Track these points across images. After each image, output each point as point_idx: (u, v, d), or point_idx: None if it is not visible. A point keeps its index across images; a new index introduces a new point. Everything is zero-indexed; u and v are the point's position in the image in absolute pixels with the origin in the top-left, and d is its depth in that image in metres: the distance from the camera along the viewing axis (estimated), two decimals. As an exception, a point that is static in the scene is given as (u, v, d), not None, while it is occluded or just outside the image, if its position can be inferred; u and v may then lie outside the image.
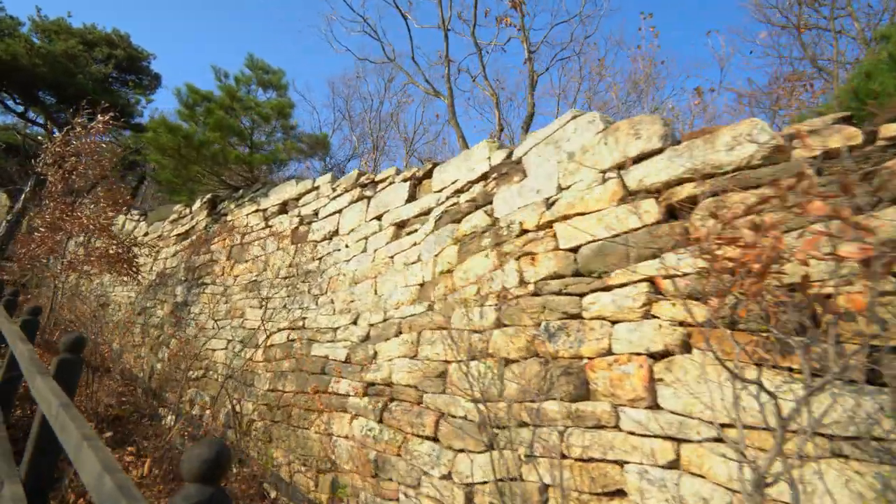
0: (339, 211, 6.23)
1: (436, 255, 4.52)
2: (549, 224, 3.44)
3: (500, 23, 7.94)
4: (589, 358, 2.91)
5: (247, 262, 7.37)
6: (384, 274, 5.02)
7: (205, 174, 8.08)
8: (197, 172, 7.90)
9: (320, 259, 6.12)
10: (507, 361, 3.34)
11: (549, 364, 3.07)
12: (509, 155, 4.20)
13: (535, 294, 3.33)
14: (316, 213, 6.66)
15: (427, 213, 4.94)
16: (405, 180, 5.48)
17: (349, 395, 4.44)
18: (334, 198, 6.45)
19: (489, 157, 4.37)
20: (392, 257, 5.10)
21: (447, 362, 3.75)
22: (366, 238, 5.61)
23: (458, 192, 4.61)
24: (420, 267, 4.62)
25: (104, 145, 7.86)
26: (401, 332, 4.36)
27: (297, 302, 6.00)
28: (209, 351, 6.85)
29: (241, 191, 8.23)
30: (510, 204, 3.82)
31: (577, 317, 3.06)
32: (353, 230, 5.87)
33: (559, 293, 3.19)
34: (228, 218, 8.22)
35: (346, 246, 5.85)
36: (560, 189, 3.47)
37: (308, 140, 8.41)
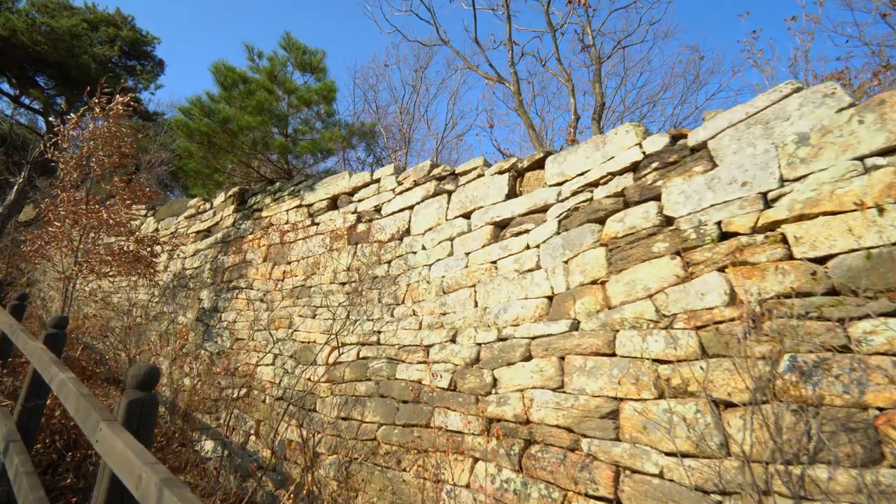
0: (411, 207, 5.40)
1: (566, 262, 3.73)
2: (773, 226, 2.66)
3: (571, 2, 7.17)
4: (880, 409, 2.14)
5: (290, 264, 6.49)
6: (487, 283, 4.21)
7: (237, 164, 7.18)
8: (230, 162, 6.99)
9: (389, 263, 5.28)
10: (724, 404, 2.55)
11: (804, 413, 2.29)
12: (674, 140, 3.42)
13: (760, 317, 2.55)
14: (378, 210, 5.81)
15: (541, 210, 4.15)
16: (501, 172, 4.68)
17: (464, 433, 3.61)
18: (401, 192, 5.62)
19: (639, 144, 3.58)
20: (495, 263, 4.29)
21: (617, 399, 2.95)
22: (450, 239, 4.79)
23: (591, 185, 3.83)
24: (543, 275, 3.81)
25: (124, 129, 6.91)
26: (530, 357, 3.55)
27: (363, 312, 5.15)
28: (250, 366, 5.96)
29: (277, 184, 7.33)
30: (695, 200, 3.04)
31: (845, 350, 2.28)
32: (430, 229, 5.05)
33: (806, 317, 2.41)
34: (263, 214, 7.32)
35: (423, 248, 5.02)
36: (784, 181, 2.70)
37: (351, 129, 7.56)
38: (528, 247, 4.10)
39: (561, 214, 3.93)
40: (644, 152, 3.52)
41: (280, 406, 5.29)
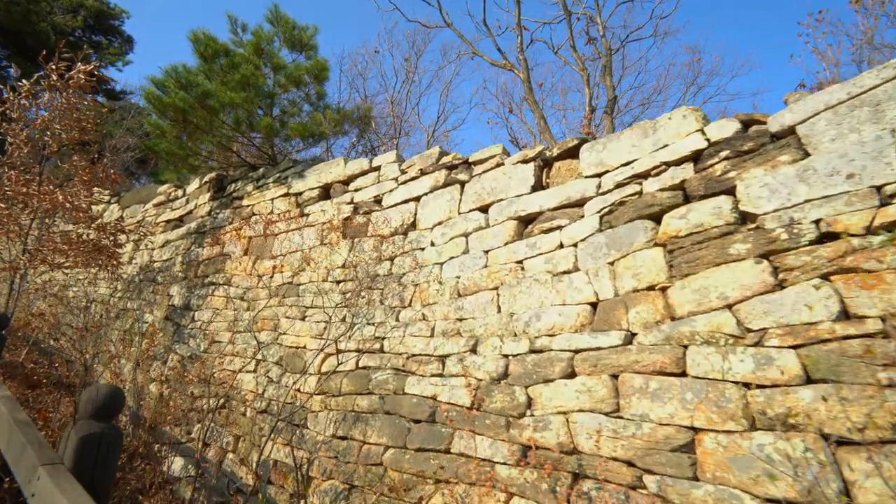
0: (417, 199, 4.84)
1: (611, 263, 3.23)
2: (894, 226, 2.22)
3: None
4: None
5: (274, 258, 5.82)
6: (512, 285, 3.69)
7: (216, 147, 6.44)
8: (209, 143, 6.25)
9: (392, 260, 4.70)
10: (841, 442, 2.09)
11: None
12: (745, 126, 2.96)
13: (885, 336, 2.10)
14: (378, 201, 5.22)
15: (576, 204, 3.65)
16: (525, 162, 4.17)
17: (494, 462, 3.07)
18: (405, 182, 5.05)
19: (701, 130, 3.12)
20: (520, 262, 3.77)
21: (693, 429, 2.46)
22: (465, 235, 4.25)
23: (639, 176, 3.34)
24: (583, 278, 3.31)
25: (86, 102, 6.09)
26: (574, 373, 3.04)
27: (363, 315, 4.55)
28: (229, 373, 5.26)
29: (260, 170, 6.62)
30: (783, 194, 2.58)
31: None
32: (440, 224, 4.50)
33: (947, 337, 1.97)
34: (244, 203, 6.61)
35: (433, 244, 4.47)
36: (906, 173, 2.26)
37: (344, 113, 6.90)
38: (561, 245, 3.59)
39: (603, 209, 3.44)
40: (708, 140, 3.05)
41: (264, 420, 4.63)
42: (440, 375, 3.67)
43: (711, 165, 2.97)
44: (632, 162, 3.42)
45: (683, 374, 2.61)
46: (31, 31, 9.93)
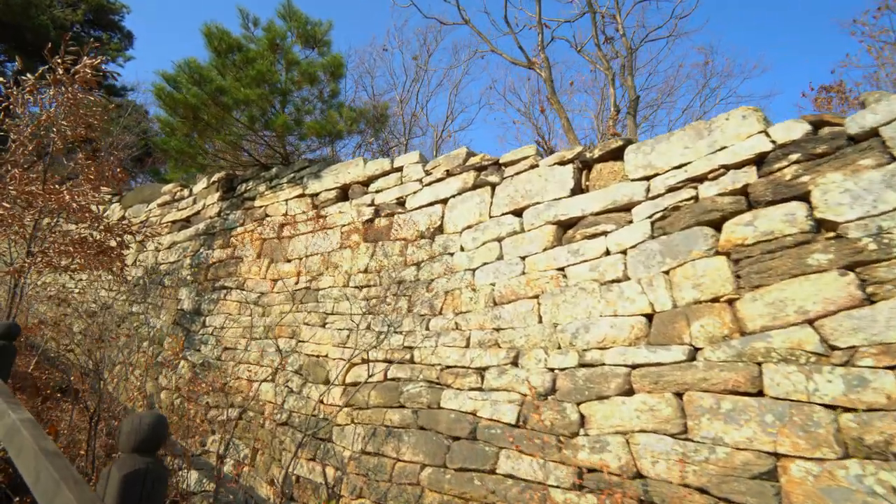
0: (444, 201, 4.64)
1: (666, 272, 3.05)
2: None
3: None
4: None
5: (289, 262, 5.60)
6: (554, 294, 3.49)
7: (226, 145, 6.21)
8: (220, 141, 6.01)
9: (418, 265, 4.50)
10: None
11: None
12: (815, 128, 2.79)
13: None
14: (401, 203, 5.02)
15: (623, 208, 3.47)
16: (562, 163, 3.99)
17: (546, 485, 2.87)
18: (430, 184, 4.85)
19: (764, 132, 2.94)
20: (562, 270, 3.58)
21: (775, 455, 2.28)
22: (498, 240, 4.06)
23: (693, 180, 3.16)
24: (635, 288, 3.12)
25: (91, 97, 5.84)
26: (632, 390, 2.85)
27: (389, 323, 4.34)
28: (245, 382, 5.04)
29: (273, 169, 6.40)
30: (868, 201, 2.40)
31: None
32: (470, 227, 4.31)
33: None
34: (257, 203, 6.38)
35: (462, 249, 4.27)
36: None
37: (360, 111, 6.68)
38: (607, 252, 3.41)
39: (654, 215, 3.25)
40: (774, 141, 2.87)
41: (284, 433, 4.41)
42: (479, 389, 3.47)
43: (779, 169, 2.79)
44: (685, 165, 3.23)
45: (760, 394, 2.43)
46: (30, 24, 9.64)
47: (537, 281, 3.65)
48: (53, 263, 5.29)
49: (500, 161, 4.47)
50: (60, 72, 5.55)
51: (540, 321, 3.51)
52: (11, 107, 5.44)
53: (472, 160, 4.67)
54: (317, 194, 5.78)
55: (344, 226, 5.31)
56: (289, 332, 5.07)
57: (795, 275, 2.51)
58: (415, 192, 4.94)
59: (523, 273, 3.78)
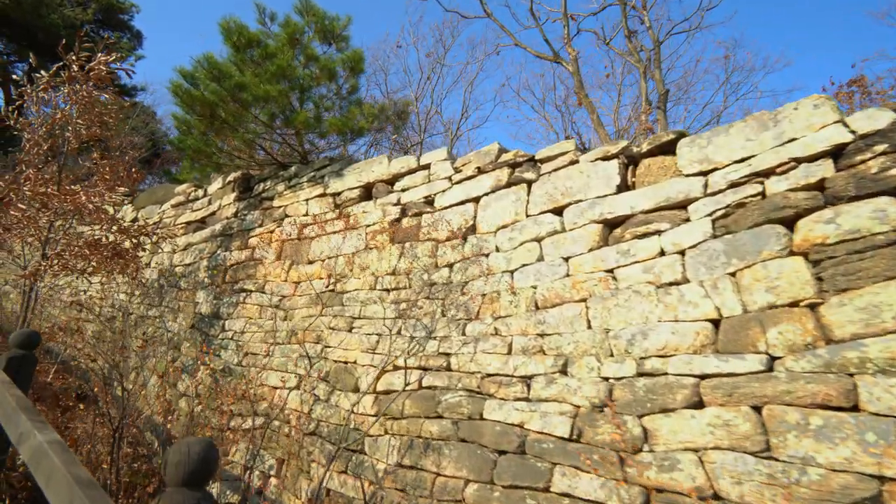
0: (476, 199, 4.43)
1: (732, 274, 2.83)
2: None
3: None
4: None
5: (311, 263, 5.41)
6: (604, 297, 3.28)
7: (243, 143, 6.02)
8: (239, 139, 5.83)
9: (451, 266, 4.29)
10: None
11: None
12: (904, 116, 2.55)
13: None
14: (429, 202, 4.81)
15: (678, 206, 3.24)
16: (605, 158, 3.77)
17: (609, 505, 2.65)
18: (460, 182, 4.64)
19: (841, 121, 2.71)
20: (611, 271, 3.36)
21: (880, 478, 2.06)
22: (537, 240, 3.85)
23: (759, 175, 2.93)
24: (698, 291, 2.90)
25: (107, 94, 5.67)
26: (702, 403, 2.63)
27: (422, 327, 4.14)
28: (267, 389, 4.85)
29: (292, 168, 6.21)
30: (976, 195, 2.17)
31: None
32: (505, 227, 4.10)
33: None
34: (275, 203, 6.19)
35: (498, 249, 4.06)
36: None
37: (381, 107, 6.48)
38: (662, 252, 3.18)
39: (715, 212, 3.03)
40: (854, 132, 2.64)
41: (313, 443, 4.22)
42: (526, 399, 3.26)
43: (862, 161, 2.56)
44: (748, 158, 3.01)
45: (855, 408, 2.20)
46: (41, 24, 9.51)
47: (584, 284, 3.43)
48: (69, 266, 5.13)
49: (536, 157, 4.25)
50: (76, 69, 5.39)
51: (589, 326, 3.29)
52: (25, 105, 5.28)
53: (505, 156, 4.46)
54: (339, 193, 5.58)
55: (369, 226, 5.11)
56: (313, 336, 4.88)
57: (891, 277, 2.28)
58: (444, 191, 4.73)
59: (567, 275, 3.57)
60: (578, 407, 3.02)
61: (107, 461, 3.36)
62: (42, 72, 5.39)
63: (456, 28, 14.69)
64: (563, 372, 3.22)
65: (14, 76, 10.15)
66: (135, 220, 8.67)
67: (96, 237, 5.73)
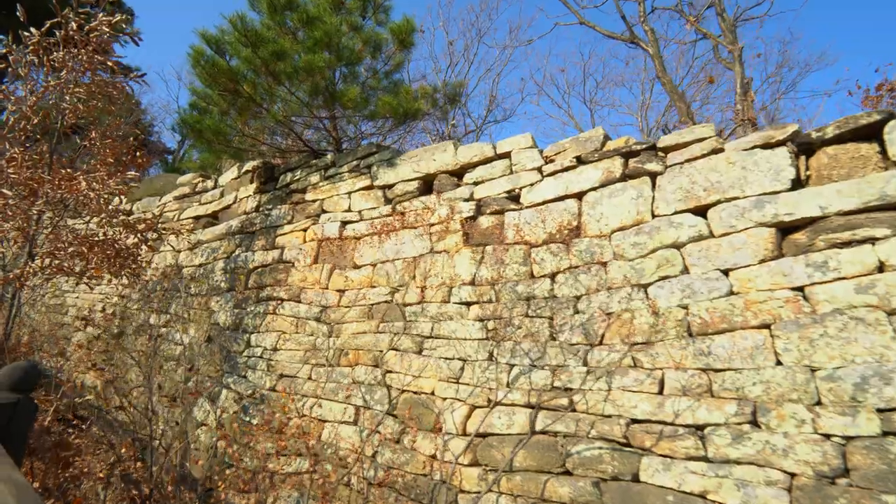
0: (578, 195, 3.64)
1: None
2: None
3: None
4: None
5: (359, 269, 4.54)
6: (800, 324, 2.50)
7: (276, 124, 5.12)
8: (271, 119, 4.92)
9: (553, 277, 3.48)
10: None
11: None
12: None
13: None
14: (513, 197, 3.99)
15: (889, 206, 2.48)
16: (767, 146, 2.99)
17: None
18: (553, 173, 3.83)
19: None
20: (800, 290, 2.58)
21: None
22: (676, 246, 3.07)
23: None
24: (960, 321, 2.14)
25: (110, 63, 4.71)
26: None
27: (521, 353, 3.31)
28: (313, 422, 3.97)
29: (329, 156, 5.31)
30: None
31: None
32: (624, 229, 3.31)
33: None
34: (308, 197, 5.28)
35: (618, 257, 3.26)
36: None
37: (434, 88, 5.62)
38: (881, 267, 2.42)
39: (968, 215, 2.27)
40: None
41: (382, 496, 3.35)
42: (704, 459, 2.46)
43: None
44: None
45: None
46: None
47: (762, 305, 2.65)
48: (64, 268, 4.16)
49: (658, 144, 3.46)
50: (74, 27, 4.43)
51: (778, 362, 2.51)
52: (11, 69, 4.29)
53: (612, 144, 3.68)
54: (391, 186, 4.71)
55: (432, 225, 4.26)
56: (369, 358, 4.01)
57: None
58: (532, 184, 3.91)
59: (732, 293, 2.78)
60: (793, 475, 2.23)
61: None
62: (32, 29, 4.40)
63: (494, 12, 13.87)
64: (754, 423, 2.43)
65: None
66: (130, 212, 7.64)
67: (92, 232, 4.76)
